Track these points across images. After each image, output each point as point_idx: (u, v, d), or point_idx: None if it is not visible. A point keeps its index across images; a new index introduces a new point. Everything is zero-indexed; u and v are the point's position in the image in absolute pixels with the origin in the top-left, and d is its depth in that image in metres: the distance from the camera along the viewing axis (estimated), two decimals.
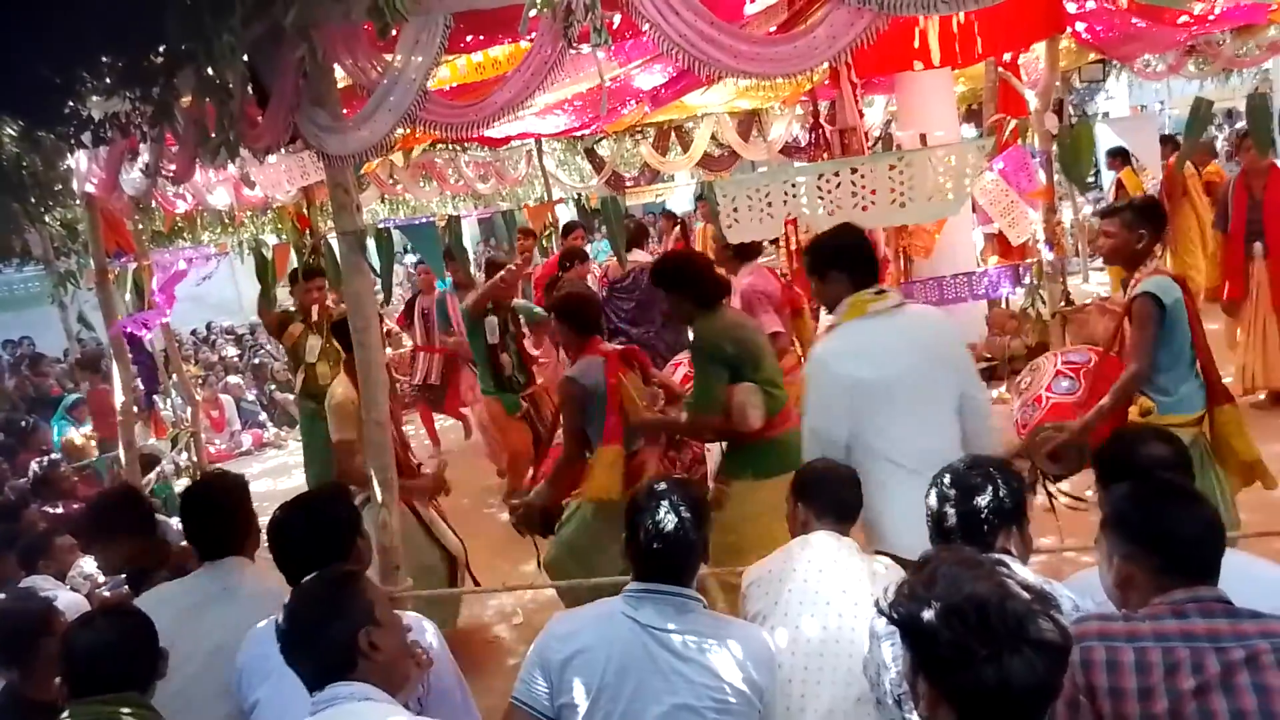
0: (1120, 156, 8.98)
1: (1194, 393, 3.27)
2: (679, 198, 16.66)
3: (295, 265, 5.40)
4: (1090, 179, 8.78)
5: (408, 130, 3.29)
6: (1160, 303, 3.16)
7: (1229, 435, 3.25)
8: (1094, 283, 10.32)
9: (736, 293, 4.68)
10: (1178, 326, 3.21)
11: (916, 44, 5.58)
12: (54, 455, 6.81)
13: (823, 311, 3.58)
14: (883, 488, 2.81)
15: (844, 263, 2.91)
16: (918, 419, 2.86)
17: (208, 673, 2.43)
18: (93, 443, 7.16)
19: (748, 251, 4.80)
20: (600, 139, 11.21)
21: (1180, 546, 1.71)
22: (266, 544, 2.45)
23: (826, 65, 2.67)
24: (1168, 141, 8.82)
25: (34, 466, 6.19)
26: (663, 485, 2.22)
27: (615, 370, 3.79)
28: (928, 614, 1.28)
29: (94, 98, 3.53)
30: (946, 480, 2.12)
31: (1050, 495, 3.55)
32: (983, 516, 2.05)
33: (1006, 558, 2.24)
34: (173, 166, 3.97)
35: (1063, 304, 6.15)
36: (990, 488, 2.06)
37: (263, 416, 10.50)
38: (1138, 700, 1.59)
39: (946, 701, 1.28)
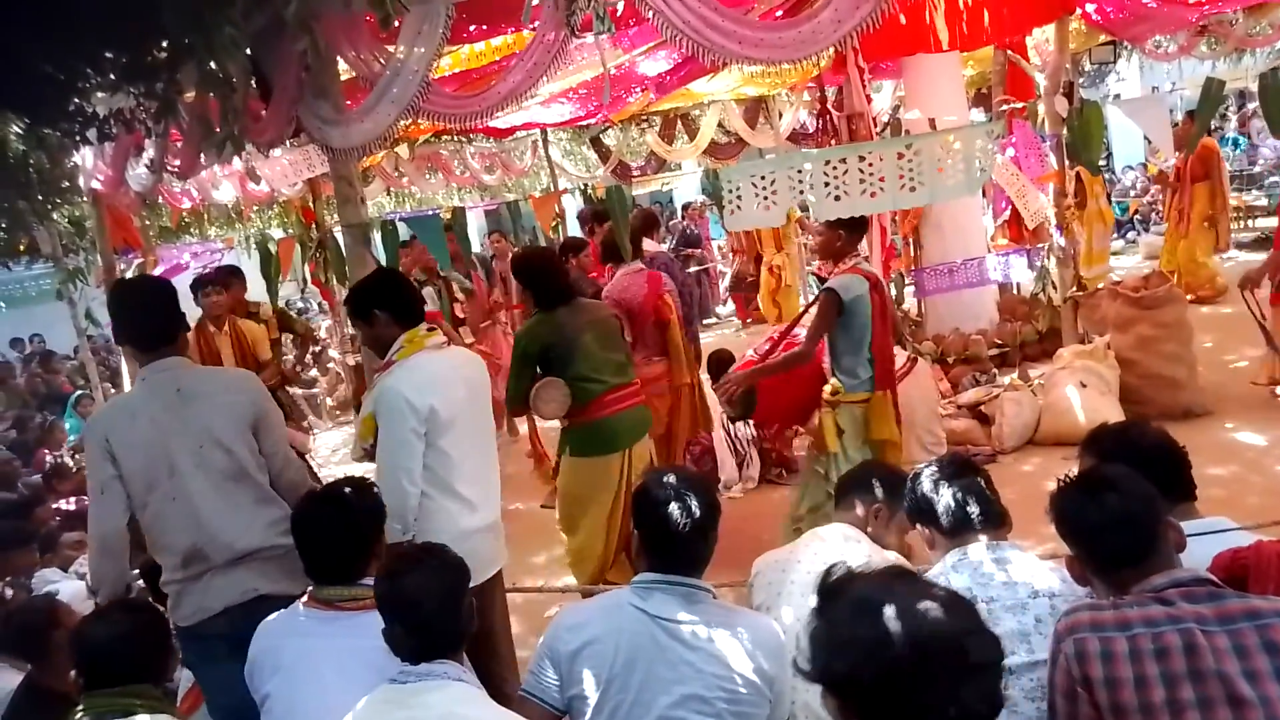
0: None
1: (869, 378, 3.77)
2: (686, 186, 16.62)
3: (300, 259, 5.41)
4: (1102, 162, 8.68)
5: (411, 122, 3.28)
6: (840, 298, 3.64)
7: (873, 417, 3.73)
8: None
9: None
10: (855, 320, 3.67)
11: (924, 27, 5.54)
12: (66, 450, 6.86)
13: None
14: (451, 518, 2.87)
15: (387, 303, 2.93)
16: (481, 456, 3.01)
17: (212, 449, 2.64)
18: None
19: (616, 254, 4.81)
20: (606, 128, 11.17)
21: (1091, 538, 1.77)
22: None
23: (833, 50, 2.63)
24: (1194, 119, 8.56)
25: (48, 460, 6.24)
26: (672, 476, 2.21)
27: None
28: (863, 669, 1.16)
29: (98, 94, 3.53)
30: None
31: None
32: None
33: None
34: (177, 162, 3.97)
35: (1074, 289, 6.12)
36: None
37: None
38: (1134, 689, 1.59)
39: None
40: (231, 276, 5.38)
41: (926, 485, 2.24)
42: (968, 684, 1.16)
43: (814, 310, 3.87)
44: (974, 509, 2.17)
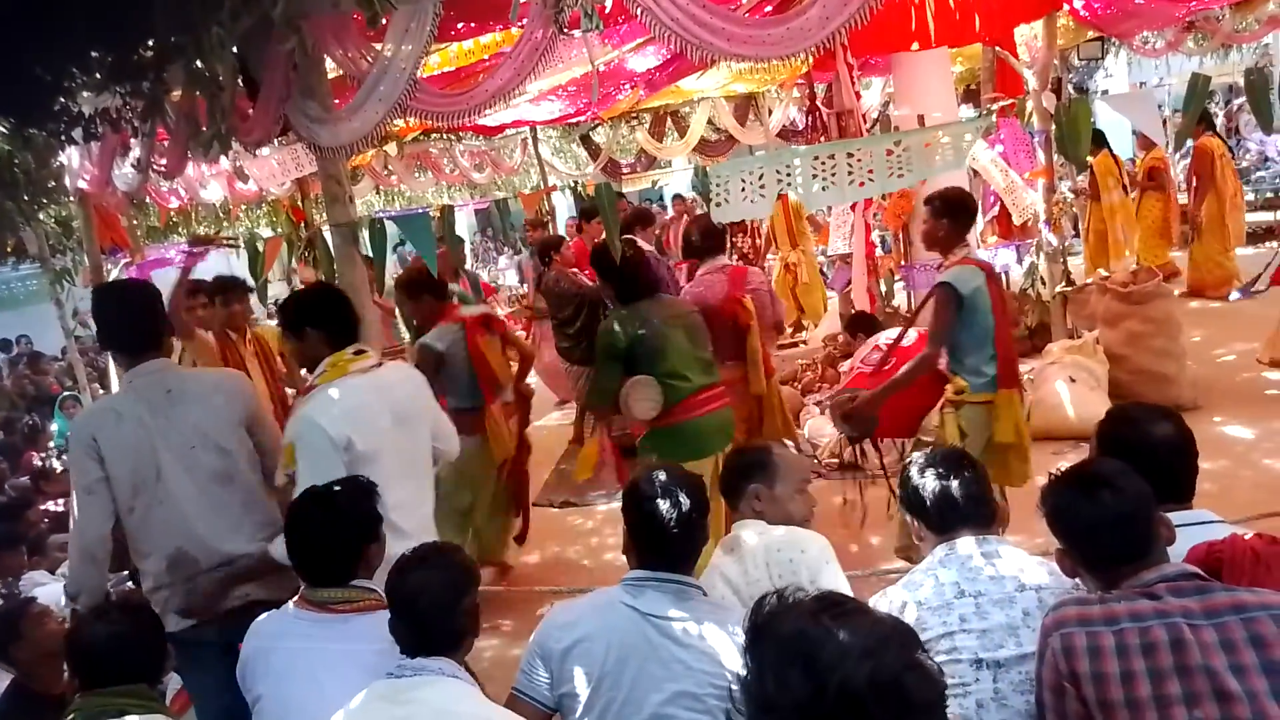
0: (1094, 141, 8.75)
1: (994, 375, 3.50)
2: (676, 183, 16.61)
3: (286, 258, 5.36)
4: (1091, 157, 8.69)
5: (400, 120, 3.27)
6: (958, 293, 3.41)
7: (997, 418, 3.47)
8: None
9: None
10: (976, 314, 3.44)
11: (913, 24, 5.54)
12: (53, 451, 6.83)
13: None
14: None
15: (322, 321, 2.78)
16: (413, 483, 2.84)
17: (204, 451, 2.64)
18: None
19: (704, 247, 4.50)
20: (596, 126, 11.16)
21: (1085, 537, 1.75)
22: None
23: (822, 47, 2.62)
24: (1201, 119, 8.17)
25: (36, 461, 6.21)
26: (662, 474, 2.21)
27: (474, 334, 4.31)
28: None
29: (84, 93, 3.51)
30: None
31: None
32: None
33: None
34: (164, 161, 3.95)
35: (1063, 284, 6.14)
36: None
37: None
38: (1120, 684, 1.59)
39: None
40: (231, 291, 4.89)
41: (918, 478, 2.22)
42: None
43: (928, 309, 3.60)
44: (964, 504, 2.16)
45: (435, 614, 1.97)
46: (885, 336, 4.08)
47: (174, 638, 2.62)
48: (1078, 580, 1.99)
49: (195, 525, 2.62)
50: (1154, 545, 1.74)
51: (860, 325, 6.18)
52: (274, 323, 5.49)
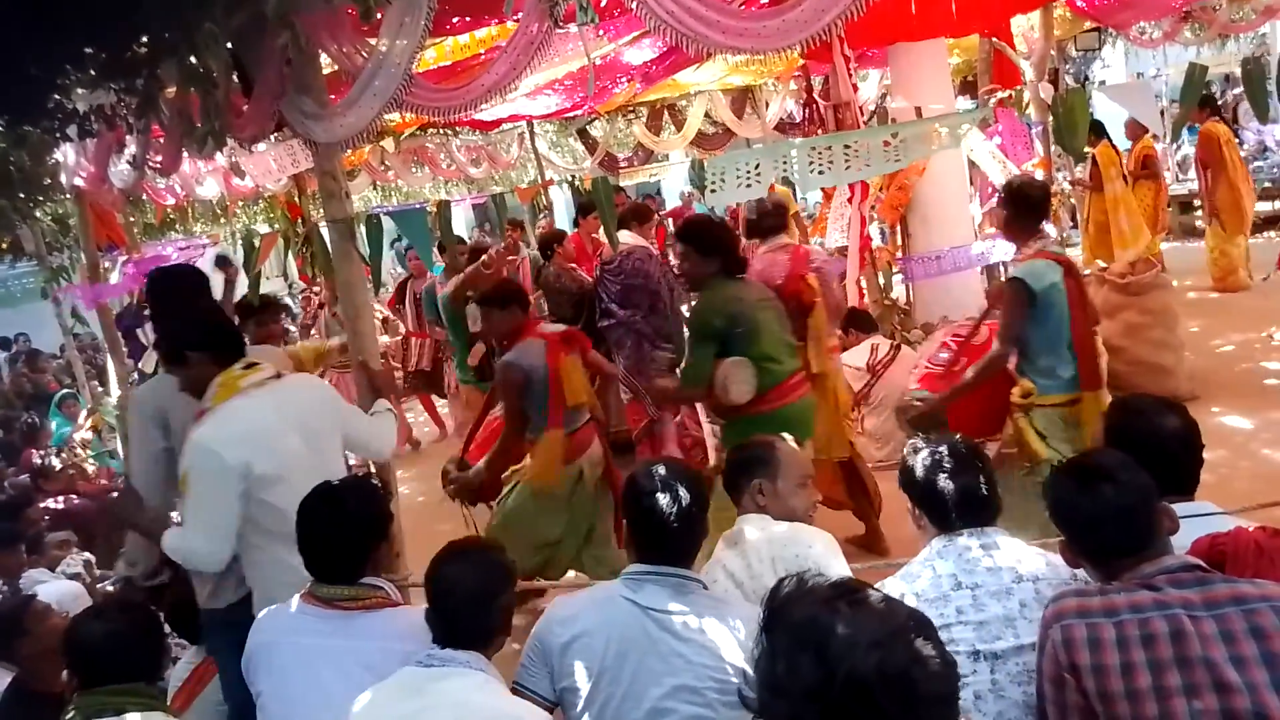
0: (1095, 132, 8.74)
1: (1071, 378, 3.29)
2: (674, 177, 16.60)
3: (282, 254, 5.37)
4: (1088, 149, 8.68)
5: (396, 115, 3.26)
6: (1029, 288, 3.22)
7: (1085, 421, 3.24)
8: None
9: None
10: (1051, 311, 3.24)
11: (910, 15, 5.52)
12: (51, 450, 6.83)
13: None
14: (290, 570, 2.43)
15: (201, 342, 2.68)
16: None
17: None
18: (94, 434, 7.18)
19: (762, 228, 4.34)
20: (593, 120, 11.14)
21: (1086, 529, 1.75)
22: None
23: (817, 38, 2.61)
24: (1206, 104, 8.19)
25: (35, 459, 6.21)
26: (662, 468, 2.21)
27: (556, 353, 3.77)
28: (805, 711, 1.09)
29: (79, 90, 3.50)
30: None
31: None
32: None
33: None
34: (159, 158, 3.94)
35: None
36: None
37: None
38: (1120, 675, 1.59)
39: None
40: (265, 310, 4.72)
41: (923, 468, 2.17)
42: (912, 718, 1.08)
43: (1000, 306, 3.44)
44: (975, 503, 2.11)
45: (469, 608, 1.99)
46: (953, 333, 3.96)
47: (217, 615, 2.65)
48: (1077, 571, 1.99)
49: None
50: (1155, 537, 1.73)
51: (854, 322, 6.18)
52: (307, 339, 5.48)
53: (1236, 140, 8.44)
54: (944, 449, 2.17)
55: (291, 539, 2.40)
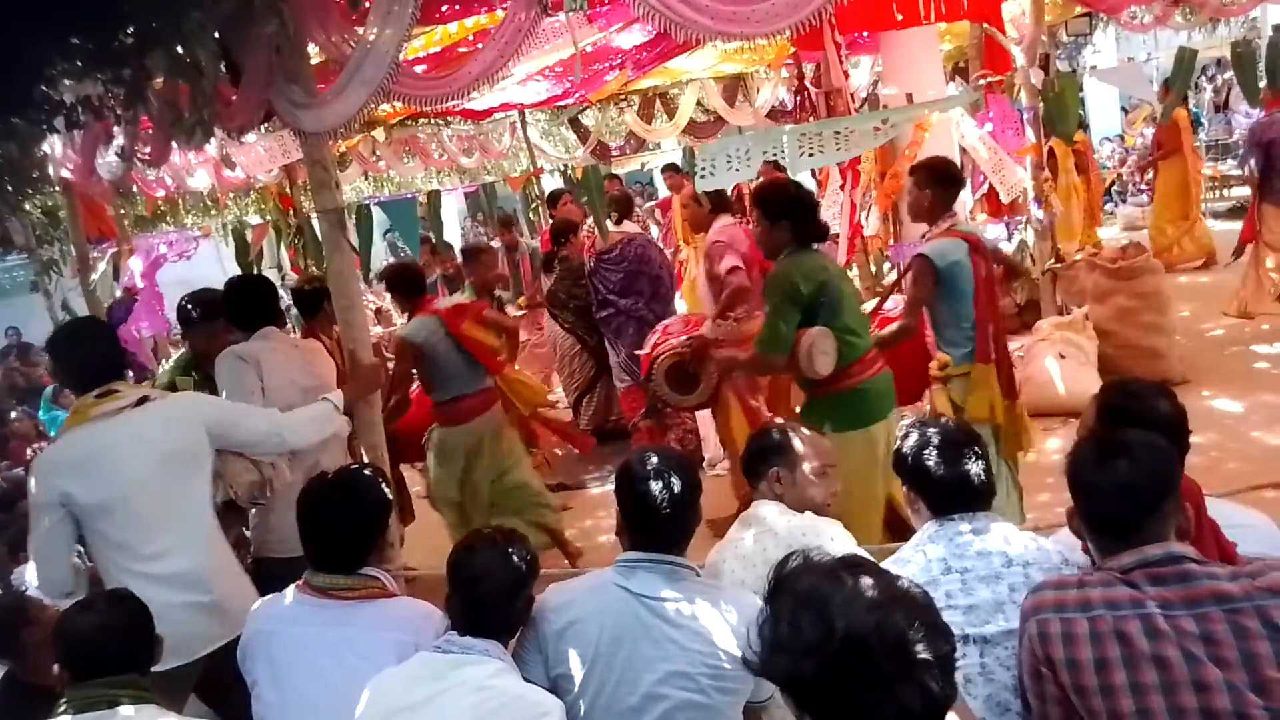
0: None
1: (971, 350, 3.47)
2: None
3: (277, 246, 5.37)
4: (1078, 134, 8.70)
5: (387, 104, 3.25)
6: (934, 265, 3.37)
7: (968, 392, 3.43)
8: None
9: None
10: (955, 287, 3.40)
11: (900, 0, 5.52)
12: (44, 443, 6.80)
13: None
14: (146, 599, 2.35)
15: (60, 370, 2.77)
16: (181, 527, 2.68)
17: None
18: None
19: (721, 204, 4.56)
20: (585, 109, 11.11)
21: (1094, 502, 1.72)
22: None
23: (807, 23, 2.61)
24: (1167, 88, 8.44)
25: (28, 453, 6.19)
26: (654, 455, 2.22)
27: (455, 322, 4.23)
28: (805, 665, 1.14)
29: (66, 81, 3.47)
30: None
31: None
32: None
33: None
34: (148, 149, 3.92)
35: (1052, 261, 6.16)
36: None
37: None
38: (1094, 671, 1.59)
39: None
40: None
41: (920, 452, 2.15)
42: (908, 682, 1.12)
43: (909, 280, 3.59)
44: (971, 490, 2.11)
45: (494, 598, 2.02)
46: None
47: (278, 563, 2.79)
48: (1069, 556, 2.01)
49: None
50: (1153, 525, 1.68)
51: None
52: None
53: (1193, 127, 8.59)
54: (938, 432, 2.16)
55: (138, 571, 2.52)
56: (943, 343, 3.54)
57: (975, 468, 2.11)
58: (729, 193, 4.91)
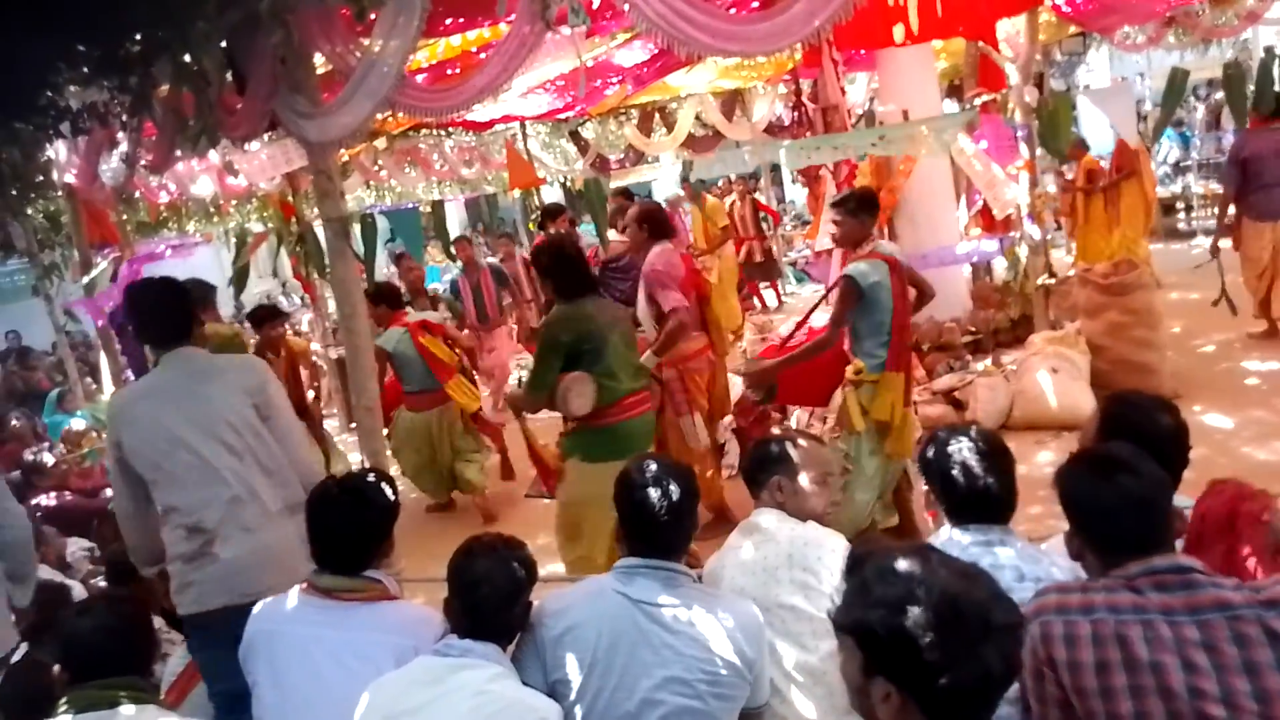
0: (1080, 145, 8.83)
1: (884, 359, 3.86)
2: (665, 179, 16.62)
3: (275, 253, 5.44)
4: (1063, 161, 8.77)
5: (389, 115, 3.28)
6: (857, 284, 3.75)
7: (875, 395, 3.83)
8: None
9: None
10: (876, 304, 3.78)
11: (897, 19, 5.58)
12: (45, 446, 6.80)
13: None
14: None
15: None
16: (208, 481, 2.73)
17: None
18: (93, 432, 7.15)
19: (660, 229, 4.74)
20: (584, 121, 11.16)
21: (1101, 520, 1.71)
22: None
23: (806, 42, 2.66)
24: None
25: (27, 455, 6.19)
26: (653, 463, 2.25)
27: (417, 334, 5.40)
28: (901, 620, 1.22)
29: (72, 88, 3.51)
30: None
31: None
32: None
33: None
34: (150, 156, 3.95)
35: (1046, 276, 6.21)
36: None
37: None
38: (1094, 673, 1.60)
39: (916, 704, 1.24)
40: (268, 320, 5.76)
41: (943, 457, 2.16)
42: (988, 643, 1.21)
43: (834, 296, 3.96)
44: (982, 493, 2.11)
45: (494, 603, 2.03)
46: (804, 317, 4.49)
47: (187, 619, 2.70)
48: (1079, 577, 1.98)
49: (229, 480, 2.71)
50: (1164, 534, 1.70)
51: None
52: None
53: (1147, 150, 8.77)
54: (968, 441, 2.15)
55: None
56: (860, 352, 3.90)
57: (994, 478, 2.11)
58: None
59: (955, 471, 2.12)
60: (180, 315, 2.84)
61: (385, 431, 5.35)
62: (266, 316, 5.85)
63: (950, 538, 2.12)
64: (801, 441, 2.59)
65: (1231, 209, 6.42)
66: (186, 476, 2.68)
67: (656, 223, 4.72)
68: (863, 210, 3.93)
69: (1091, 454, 1.84)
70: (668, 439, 4.80)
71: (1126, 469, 1.71)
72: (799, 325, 4.25)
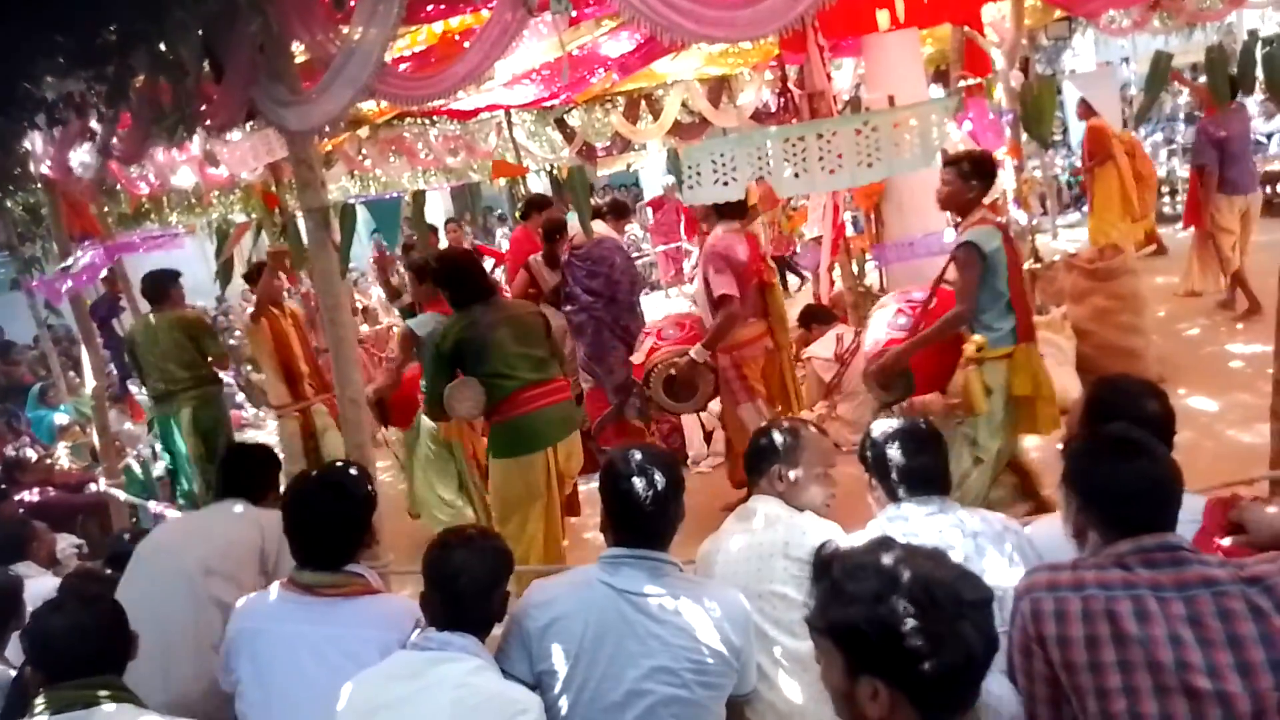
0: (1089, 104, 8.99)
1: (1010, 331, 3.64)
2: (652, 167, 16.57)
3: (254, 244, 5.39)
4: (1058, 136, 8.80)
5: (372, 103, 3.24)
6: (981, 251, 3.52)
7: (1015, 371, 3.61)
8: (1063, 240, 10.43)
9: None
10: (998, 272, 3.57)
11: (882, 4, 5.56)
12: (25, 441, 6.76)
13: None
14: None
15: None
16: None
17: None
18: (77, 427, 7.10)
19: (730, 209, 4.60)
20: (570, 109, 11.10)
21: (1118, 501, 1.72)
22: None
23: (790, 28, 2.64)
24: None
25: (9, 451, 6.15)
26: (638, 453, 2.25)
27: None
28: (881, 611, 1.25)
29: (48, 78, 3.45)
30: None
31: None
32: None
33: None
34: (122, 146, 3.90)
35: (1031, 261, 6.23)
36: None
37: (240, 398, 10.42)
38: (1084, 648, 1.62)
39: (905, 695, 1.25)
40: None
41: (880, 444, 2.29)
42: (965, 620, 1.24)
43: (954, 269, 3.73)
44: (919, 470, 2.24)
45: (473, 594, 2.03)
46: (906, 298, 4.15)
47: None
48: (1009, 524, 2.13)
49: None
50: (1174, 516, 1.72)
51: (813, 318, 6.26)
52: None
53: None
54: (900, 427, 2.30)
55: None
56: (979, 326, 3.63)
57: (929, 456, 2.26)
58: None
59: (891, 453, 2.26)
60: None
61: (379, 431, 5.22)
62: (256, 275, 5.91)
63: (893, 515, 2.22)
64: (804, 431, 2.61)
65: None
66: None
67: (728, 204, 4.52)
68: (975, 174, 3.68)
69: (1108, 436, 1.85)
70: (728, 427, 4.83)
71: (1145, 452, 1.74)
72: (919, 309, 3.90)
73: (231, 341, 11.59)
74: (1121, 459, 1.74)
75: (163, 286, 5.57)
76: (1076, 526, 1.81)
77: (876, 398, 4.18)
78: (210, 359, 5.58)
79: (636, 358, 5.12)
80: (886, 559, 1.31)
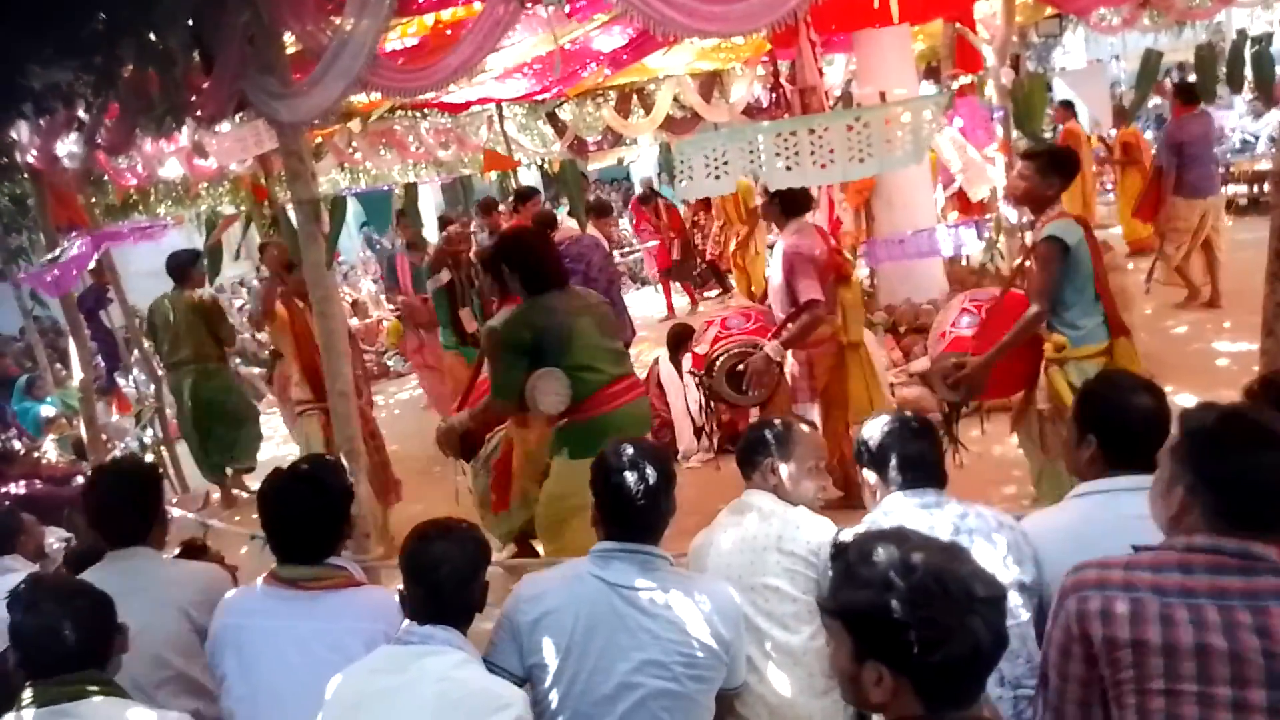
0: (1068, 108, 9.12)
1: (1098, 326, 3.49)
2: (643, 161, 16.56)
3: (240, 235, 5.38)
4: (1049, 133, 8.85)
5: (364, 96, 3.23)
6: (1064, 245, 3.39)
7: (1124, 365, 3.42)
8: None
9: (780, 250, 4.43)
10: (1081, 266, 3.43)
11: (875, 1, 5.57)
12: (12, 433, 6.72)
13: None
14: None
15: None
16: None
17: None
18: (63, 419, 7.06)
19: (795, 205, 4.33)
20: (562, 103, 11.09)
21: (1240, 495, 1.54)
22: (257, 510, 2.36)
23: (783, 22, 2.64)
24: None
25: None
26: (629, 447, 2.25)
27: None
28: (889, 599, 1.25)
29: (35, 68, 3.43)
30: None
31: (955, 442, 3.92)
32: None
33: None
34: (109, 136, 3.88)
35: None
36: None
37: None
38: (1130, 651, 1.53)
39: (910, 683, 1.26)
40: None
41: (879, 437, 2.29)
42: (975, 615, 1.24)
43: (1032, 264, 3.56)
44: (915, 461, 2.24)
45: (453, 585, 2.02)
46: (971, 298, 4.02)
47: None
48: (1003, 519, 2.11)
49: None
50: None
51: (678, 342, 6.20)
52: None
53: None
54: (896, 420, 2.31)
55: None
56: (1062, 324, 3.49)
57: (925, 449, 2.26)
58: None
59: (889, 445, 2.26)
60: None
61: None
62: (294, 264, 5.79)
63: (890, 507, 2.21)
64: (796, 427, 2.63)
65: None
66: None
67: (789, 198, 4.28)
68: (1054, 170, 3.52)
69: (1244, 423, 1.61)
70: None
71: (1276, 446, 1.55)
72: (991, 309, 3.74)
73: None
74: (1256, 450, 1.54)
75: (185, 267, 6.21)
76: (1179, 507, 1.61)
77: (943, 397, 4.02)
78: (220, 340, 6.31)
79: (700, 347, 4.79)
80: (901, 547, 1.31)
